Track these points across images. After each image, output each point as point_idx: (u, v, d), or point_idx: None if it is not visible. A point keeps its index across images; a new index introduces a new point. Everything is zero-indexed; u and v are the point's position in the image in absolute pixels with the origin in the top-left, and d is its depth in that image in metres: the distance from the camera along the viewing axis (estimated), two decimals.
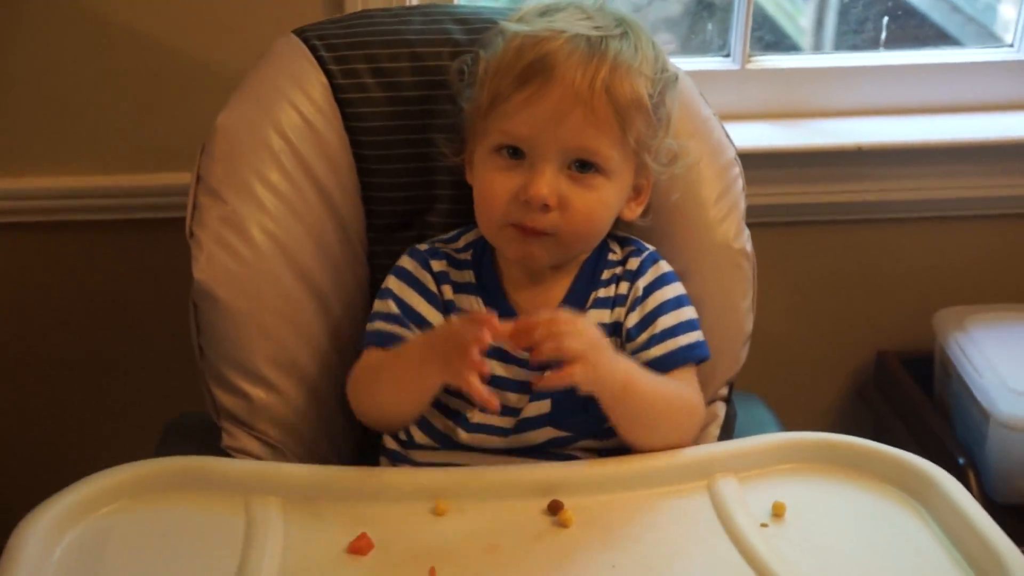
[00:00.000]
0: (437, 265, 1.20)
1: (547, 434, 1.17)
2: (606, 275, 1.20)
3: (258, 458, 1.19)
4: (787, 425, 1.36)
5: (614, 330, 1.18)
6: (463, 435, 1.17)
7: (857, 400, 1.86)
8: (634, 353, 1.16)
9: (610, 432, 1.16)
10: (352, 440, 1.29)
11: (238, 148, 1.21)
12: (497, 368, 1.16)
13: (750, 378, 1.35)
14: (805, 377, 1.84)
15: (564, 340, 1.04)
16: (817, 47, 1.92)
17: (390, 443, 1.22)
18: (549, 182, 1.11)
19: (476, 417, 1.16)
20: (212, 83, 1.53)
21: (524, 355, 1.13)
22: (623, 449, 1.15)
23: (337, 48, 1.27)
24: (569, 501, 1.08)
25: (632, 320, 1.18)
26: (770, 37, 1.84)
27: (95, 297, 1.67)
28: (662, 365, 1.16)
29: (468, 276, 1.20)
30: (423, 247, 1.22)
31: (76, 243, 1.64)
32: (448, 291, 1.20)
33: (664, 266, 1.21)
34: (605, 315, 1.19)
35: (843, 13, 1.86)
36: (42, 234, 1.63)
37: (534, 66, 1.10)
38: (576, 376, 1.05)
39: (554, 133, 1.11)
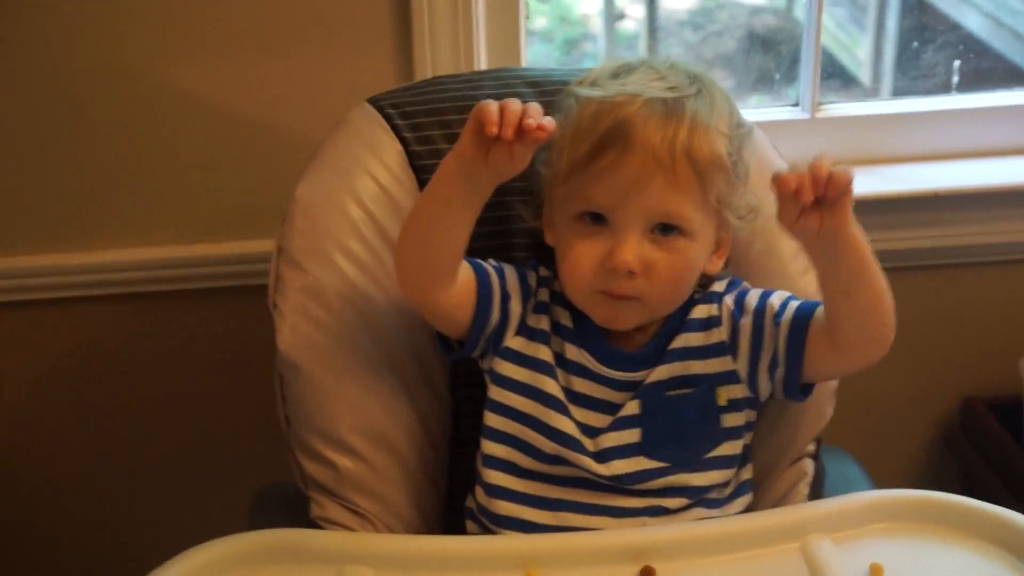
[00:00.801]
0: (544, 271, 1.22)
1: (637, 464, 1.16)
2: (697, 306, 1.19)
3: (348, 528, 1.19)
4: (872, 475, 1.34)
5: (713, 351, 1.17)
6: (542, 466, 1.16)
7: (944, 449, 1.83)
8: (772, 334, 1.14)
9: (707, 464, 1.15)
10: (439, 507, 1.29)
11: (318, 219, 1.23)
12: (581, 386, 1.17)
13: (833, 429, 1.32)
14: (890, 424, 1.81)
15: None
16: (875, 79, 1.91)
17: (471, 502, 1.22)
18: (634, 248, 1.11)
19: (554, 421, 1.16)
20: (287, 150, 1.55)
21: (609, 372, 1.15)
22: (719, 487, 1.14)
23: (411, 115, 1.28)
24: (661, 566, 1.07)
25: (745, 326, 1.16)
26: (827, 69, 1.82)
27: (178, 367, 1.69)
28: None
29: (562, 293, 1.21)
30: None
31: (157, 314, 1.66)
32: (544, 294, 1.20)
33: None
34: (698, 338, 1.18)
35: (913, 58, 1.84)
36: (122, 306, 1.65)
37: (612, 133, 1.10)
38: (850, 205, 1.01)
39: (637, 200, 1.11)
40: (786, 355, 1.14)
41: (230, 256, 1.62)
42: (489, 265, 1.20)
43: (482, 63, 1.57)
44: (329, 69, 1.55)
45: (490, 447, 1.20)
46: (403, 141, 1.27)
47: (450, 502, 1.30)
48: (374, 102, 1.29)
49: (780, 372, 1.15)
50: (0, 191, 1.58)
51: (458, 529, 1.25)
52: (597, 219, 1.13)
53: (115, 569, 1.15)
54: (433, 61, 1.54)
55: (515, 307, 1.19)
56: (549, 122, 1.04)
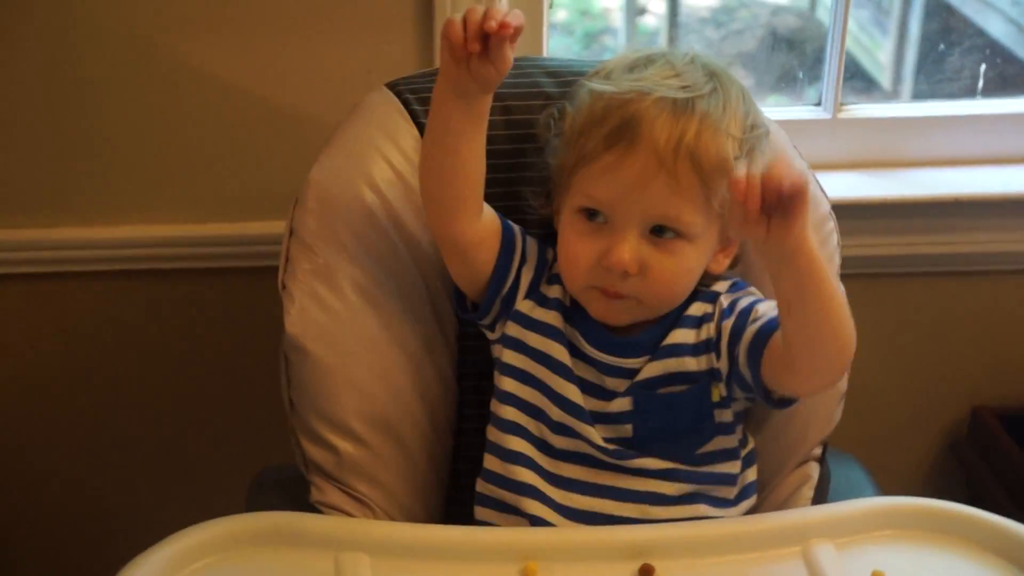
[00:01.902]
0: (550, 255, 1.22)
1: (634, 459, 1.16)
2: (694, 303, 1.18)
3: (347, 513, 1.18)
4: (878, 481, 1.33)
5: (703, 348, 1.16)
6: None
7: (951, 457, 1.82)
8: (742, 338, 1.12)
9: (700, 459, 1.15)
10: (441, 496, 1.29)
11: (331, 202, 1.22)
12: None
13: (840, 434, 1.32)
14: (897, 432, 1.80)
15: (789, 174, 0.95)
16: (896, 82, 1.89)
17: (482, 487, 1.21)
18: (631, 249, 1.11)
19: (559, 387, 1.16)
20: (303, 133, 1.55)
21: (598, 355, 1.15)
22: (723, 484, 1.14)
23: (429, 101, 1.26)
24: (660, 564, 1.07)
25: (728, 325, 1.14)
26: (847, 71, 1.81)
27: (185, 346, 1.69)
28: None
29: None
30: None
31: (167, 291, 1.66)
32: (558, 268, 1.20)
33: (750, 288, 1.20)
34: (691, 335, 1.16)
35: (938, 61, 1.83)
36: (133, 282, 1.65)
37: (619, 129, 1.10)
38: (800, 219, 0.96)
39: (637, 200, 1.10)
40: (748, 362, 1.11)
41: (241, 236, 1.61)
42: (515, 225, 1.20)
43: None
44: (349, 52, 1.54)
45: (504, 411, 1.19)
46: (420, 127, 1.26)
47: (452, 492, 1.30)
48: (392, 87, 1.28)
49: (748, 376, 1.12)
50: (13, 164, 1.57)
51: (458, 519, 1.24)
52: (597, 216, 1.13)
53: (112, 548, 1.15)
54: None
55: (527, 273, 1.19)
56: (514, 16, 1.03)
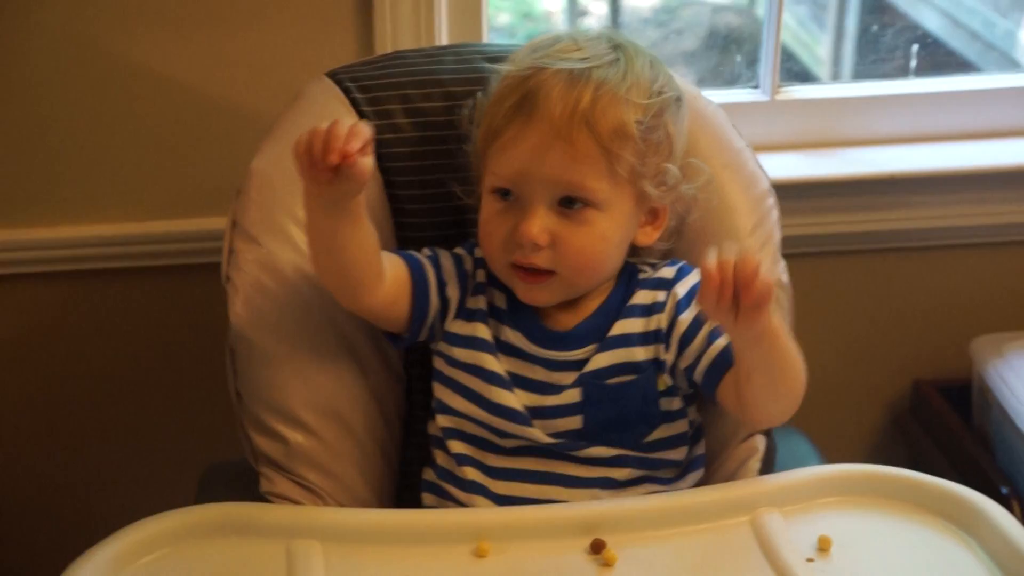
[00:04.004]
0: (479, 252, 1.21)
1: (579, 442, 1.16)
2: (639, 291, 1.19)
3: (297, 503, 1.18)
4: (823, 456, 1.35)
5: (652, 338, 1.17)
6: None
7: (894, 430, 1.84)
8: (697, 348, 1.14)
9: (648, 447, 1.16)
10: (391, 483, 1.29)
11: (273, 191, 1.22)
12: (520, 368, 1.17)
13: None
14: (840, 407, 1.82)
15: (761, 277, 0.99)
16: (835, 77, 1.92)
17: (428, 475, 1.22)
18: (538, 221, 1.12)
19: (495, 396, 1.16)
20: (245, 127, 1.54)
21: (543, 353, 1.16)
22: (670, 466, 1.16)
23: (370, 89, 1.27)
24: (611, 539, 1.07)
25: (684, 321, 1.15)
26: (787, 68, 1.84)
27: (129, 344, 1.67)
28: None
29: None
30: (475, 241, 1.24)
31: (109, 291, 1.64)
32: (481, 275, 1.21)
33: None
34: (638, 324, 1.17)
35: (872, 42, 1.86)
36: (75, 282, 1.63)
37: (519, 103, 1.12)
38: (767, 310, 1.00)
39: (538, 170, 1.11)
40: (703, 381, 1.14)
41: (185, 233, 1.61)
42: (423, 256, 1.20)
43: (443, 38, 1.56)
44: (289, 44, 1.54)
45: (440, 419, 1.20)
46: (361, 115, 1.26)
47: (403, 479, 1.30)
48: (332, 76, 1.28)
49: (697, 382, 1.15)
50: None
51: (410, 505, 1.25)
52: (508, 195, 1.14)
53: (63, 542, 1.14)
54: (394, 35, 1.53)
55: (452, 292, 1.20)
56: (359, 134, 1.01)
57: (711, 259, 0.99)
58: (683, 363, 1.15)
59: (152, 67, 1.53)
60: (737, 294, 0.99)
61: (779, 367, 1.07)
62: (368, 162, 1.04)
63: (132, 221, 1.60)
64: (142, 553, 1.06)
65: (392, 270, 1.17)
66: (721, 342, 1.13)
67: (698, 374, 1.14)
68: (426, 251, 1.22)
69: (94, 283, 1.63)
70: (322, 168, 1.02)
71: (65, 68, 1.52)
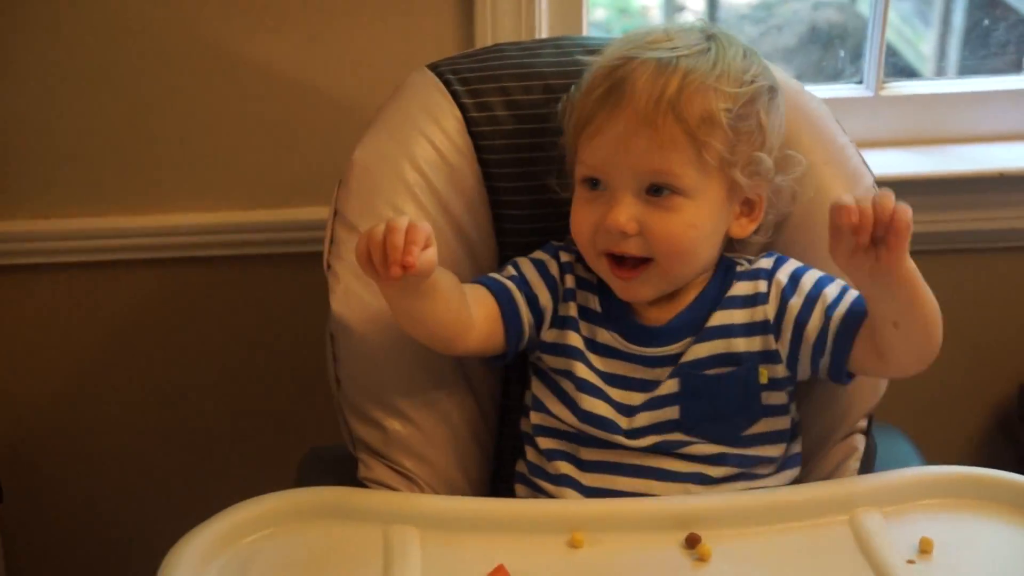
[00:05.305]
0: (566, 256, 1.22)
1: (674, 439, 1.16)
2: (738, 283, 1.18)
3: (393, 489, 1.19)
4: (925, 456, 1.33)
5: (759, 329, 1.16)
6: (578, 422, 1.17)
7: (999, 433, 1.80)
8: (818, 325, 1.13)
9: (746, 441, 1.15)
10: (486, 474, 1.30)
11: (374, 182, 1.23)
12: (615, 367, 1.17)
13: (886, 408, 1.31)
14: (944, 408, 1.79)
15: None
16: (939, 74, 1.88)
17: (521, 467, 1.23)
18: (626, 210, 1.12)
19: (585, 404, 1.16)
20: (347, 118, 1.56)
21: (639, 350, 1.16)
22: (767, 462, 1.15)
23: (470, 82, 1.28)
24: (707, 534, 1.07)
25: (795, 306, 1.14)
26: (890, 63, 1.80)
27: (233, 331, 1.71)
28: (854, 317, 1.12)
29: (593, 276, 1.21)
30: (559, 243, 1.24)
31: (215, 278, 1.67)
32: (570, 280, 1.21)
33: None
34: (740, 315, 1.16)
35: (982, 37, 1.82)
36: (183, 268, 1.67)
37: (606, 94, 1.12)
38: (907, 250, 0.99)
39: (624, 158, 1.11)
40: (832, 350, 1.12)
41: (289, 222, 1.63)
42: (506, 278, 1.20)
43: (543, 31, 1.57)
44: (390, 36, 1.56)
45: (535, 416, 1.21)
46: (461, 107, 1.27)
47: (497, 468, 1.31)
48: (434, 67, 1.30)
49: (825, 361, 1.14)
50: (62, 153, 1.60)
51: (503, 494, 1.25)
52: (598, 184, 1.14)
53: (160, 527, 1.17)
54: (494, 28, 1.54)
55: (546, 304, 1.20)
56: (420, 234, 1.01)
57: (846, 197, 0.97)
58: (805, 345, 1.13)
59: (256, 60, 1.56)
60: (875, 235, 0.97)
61: (921, 312, 1.05)
62: (431, 254, 1.04)
63: (238, 210, 1.63)
64: (244, 533, 1.09)
65: (481, 309, 1.17)
66: (843, 308, 1.11)
67: (828, 347, 1.12)
68: (509, 269, 1.22)
69: (198, 270, 1.67)
70: (386, 278, 1.04)
71: (171, 61, 1.56)
